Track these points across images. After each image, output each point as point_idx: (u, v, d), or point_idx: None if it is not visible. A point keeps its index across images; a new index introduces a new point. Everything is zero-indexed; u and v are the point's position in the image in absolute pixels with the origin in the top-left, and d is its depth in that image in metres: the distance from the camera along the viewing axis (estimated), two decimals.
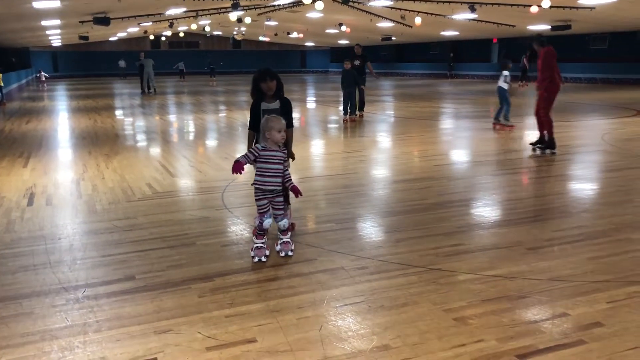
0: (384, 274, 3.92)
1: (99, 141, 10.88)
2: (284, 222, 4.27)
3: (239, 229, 5.07)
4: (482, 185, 6.82)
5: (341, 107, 14.11)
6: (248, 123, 4.75)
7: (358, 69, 13.46)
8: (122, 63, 43.60)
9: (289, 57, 53.95)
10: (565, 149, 9.19)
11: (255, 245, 4.25)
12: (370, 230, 5.04)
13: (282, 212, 4.27)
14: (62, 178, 7.42)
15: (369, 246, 4.52)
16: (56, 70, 46.13)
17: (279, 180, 4.14)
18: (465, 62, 39.09)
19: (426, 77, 40.36)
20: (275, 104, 4.64)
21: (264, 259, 4.18)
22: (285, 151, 4.22)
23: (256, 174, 4.18)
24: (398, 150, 9.66)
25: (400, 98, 21.69)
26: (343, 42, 44.85)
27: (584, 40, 30.94)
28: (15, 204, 6.07)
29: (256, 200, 4.21)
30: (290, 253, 4.28)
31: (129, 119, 15.54)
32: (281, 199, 4.25)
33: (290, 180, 4.22)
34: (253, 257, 4.21)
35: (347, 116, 13.26)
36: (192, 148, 10.43)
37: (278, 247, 4.32)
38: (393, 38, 37.18)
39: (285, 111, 4.59)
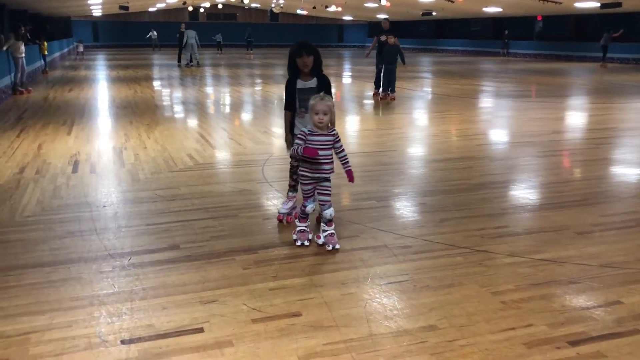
0: (428, 253, 3.86)
1: (139, 111, 10.99)
2: (330, 211, 3.94)
3: (281, 202, 5.06)
4: (525, 166, 6.66)
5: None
6: (284, 102, 4.44)
7: (384, 45, 12.65)
8: (153, 34, 40.37)
9: (326, 31, 53.43)
10: (611, 132, 8.90)
11: (298, 228, 4.04)
12: (412, 208, 4.97)
13: (328, 197, 3.95)
14: (104, 146, 7.52)
15: (411, 225, 4.46)
16: (96, 39, 46.70)
17: (329, 167, 3.88)
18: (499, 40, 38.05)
19: (466, 54, 39.51)
20: (312, 82, 4.29)
21: (307, 243, 3.99)
22: (335, 133, 3.88)
23: (303, 160, 3.91)
24: (437, 128, 9.50)
25: (440, 75, 21.29)
26: (382, 16, 44.14)
27: (634, 19, 29.74)
28: (60, 170, 6.19)
29: (301, 184, 3.97)
30: (337, 246, 3.91)
31: (168, 90, 15.66)
32: (329, 183, 3.95)
33: (347, 162, 3.92)
34: (295, 240, 4.02)
35: (382, 92, 12.99)
36: (230, 120, 10.46)
37: (321, 240, 3.98)
38: (434, 13, 36.40)
39: (323, 87, 4.23)
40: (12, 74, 13.94)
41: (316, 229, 4.22)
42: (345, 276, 3.48)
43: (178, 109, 11.90)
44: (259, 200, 5.22)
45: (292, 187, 4.60)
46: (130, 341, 2.76)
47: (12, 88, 13.75)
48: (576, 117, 10.99)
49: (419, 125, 10.06)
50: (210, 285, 3.37)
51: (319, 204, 3.99)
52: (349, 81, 19.33)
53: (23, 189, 5.42)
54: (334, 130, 3.88)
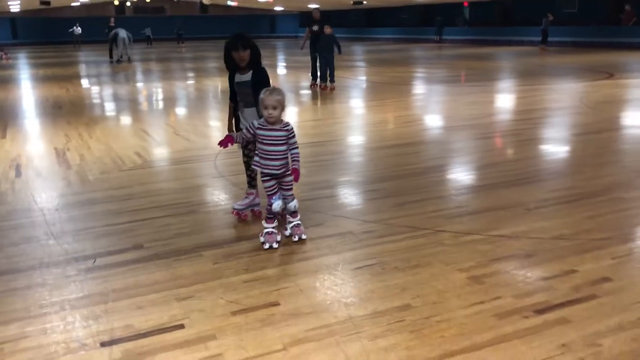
0: (391, 236, 3.99)
1: (75, 110, 10.63)
2: (294, 203, 3.90)
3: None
4: (468, 149, 6.92)
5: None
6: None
7: (318, 35, 12.67)
8: (77, 30, 37.68)
9: (258, 22, 53.05)
10: (546, 112, 9.36)
11: (266, 230, 3.82)
12: (369, 194, 5.09)
13: (291, 192, 3.89)
14: (46, 148, 7.26)
15: (371, 210, 4.58)
16: (15, 37, 44.52)
17: (283, 162, 3.72)
18: (432, 27, 39.04)
19: (398, 42, 40.21)
20: (247, 75, 4.11)
21: (275, 245, 3.79)
22: (289, 128, 3.69)
23: (256, 154, 3.79)
24: (379, 115, 9.69)
25: (374, 63, 21.63)
26: (313, 6, 44.22)
27: (554, 4, 31.17)
28: (2, 175, 5.93)
29: (262, 182, 3.82)
30: (303, 236, 3.89)
31: (102, 88, 15.18)
32: (290, 178, 3.79)
33: (297, 160, 3.73)
34: (263, 243, 3.80)
35: (319, 82, 12.99)
36: (172, 116, 10.28)
37: (288, 232, 3.95)
38: (364, 2, 36.85)
39: (257, 81, 4.03)
40: None
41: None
42: (316, 264, 3.55)
43: (115, 107, 11.58)
44: (217, 195, 5.20)
45: (250, 183, 4.49)
46: (111, 342, 2.73)
47: None
48: (509, 100, 11.48)
49: (360, 113, 10.23)
50: (183, 282, 3.36)
51: (283, 199, 3.87)
52: (284, 72, 19.34)
53: None
54: (288, 125, 3.71)
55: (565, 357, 2.53)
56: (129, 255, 3.77)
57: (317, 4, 41.52)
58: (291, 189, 3.88)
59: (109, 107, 11.55)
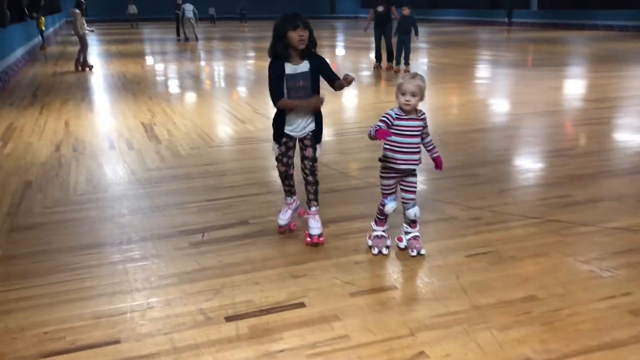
0: (500, 224, 3.86)
1: (154, 86, 10.86)
2: (415, 210, 3.35)
3: (332, 176, 5.02)
4: (558, 135, 6.65)
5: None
6: (271, 96, 3.42)
7: (383, 16, 12.28)
8: (132, 8, 36.06)
9: (317, 2, 52.79)
10: (636, 100, 8.89)
11: (375, 233, 3.43)
12: (467, 179, 4.93)
13: (414, 195, 3.35)
14: (133, 123, 7.42)
15: (473, 196, 4.44)
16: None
17: (417, 157, 3.25)
18: (502, 9, 37.84)
19: (463, 24, 39.18)
20: (304, 66, 3.38)
21: (385, 251, 3.38)
22: (424, 117, 3.25)
23: (386, 149, 3.25)
24: (462, 98, 9.44)
25: (448, 45, 21.13)
26: None
27: None
28: (97, 148, 6.10)
29: (381, 177, 3.34)
30: (422, 252, 3.38)
31: (176, 65, 15.43)
32: (414, 178, 3.33)
33: (435, 147, 3.35)
34: (371, 247, 3.43)
35: (389, 64, 12.78)
36: (250, 95, 10.34)
37: (403, 244, 3.45)
38: None
39: (320, 69, 3.42)
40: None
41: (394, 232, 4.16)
42: (428, 249, 3.46)
43: (193, 84, 11.74)
44: None
45: (288, 192, 3.79)
46: (236, 317, 2.75)
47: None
48: (594, 86, 10.98)
49: (442, 96, 10.00)
50: (293, 260, 3.35)
51: (402, 203, 3.37)
52: (343, 53, 19.13)
53: (67, 167, 5.35)
54: (424, 114, 3.26)
55: None
56: (236, 231, 3.80)
57: None
58: (414, 191, 3.35)
59: (186, 84, 11.73)
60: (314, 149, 3.55)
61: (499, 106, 8.85)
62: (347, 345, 2.52)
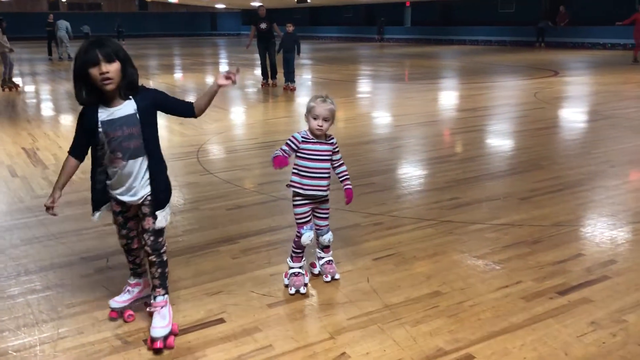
0: (400, 228, 4.10)
1: (32, 109, 10.22)
2: (329, 236, 3.22)
3: (235, 192, 5.05)
4: (442, 143, 7.14)
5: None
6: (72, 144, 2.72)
7: (266, 33, 12.57)
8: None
9: (198, 20, 52.36)
10: (506, 108, 9.74)
11: (292, 270, 3.18)
12: (365, 189, 5.15)
13: (327, 221, 3.22)
14: (13, 149, 6.96)
15: (372, 204, 4.66)
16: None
17: (326, 183, 3.10)
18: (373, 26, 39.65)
19: (341, 40, 40.56)
20: (128, 107, 2.56)
21: (302, 289, 3.12)
22: (334, 142, 3.11)
23: (294, 173, 3.10)
24: (351, 112, 9.80)
25: (327, 61, 21.78)
26: (255, 4, 43.95)
27: (493, 5, 32.31)
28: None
29: (294, 206, 3.13)
30: (337, 276, 3.27)
31: (50, 86, 14.61)
32: (327, 205, 3.20)
33: (347, 178, 3.17)
34: (287, 286, 3.16)
35: (271, 81, 13.00)
36: None
37: (317, 270, 3.33)
38: (308, 0, 36.96)
39: (156, 105, 2.66)
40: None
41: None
42: (336, 255, 3.59)
43: (75, 106, 11.17)
44: (212, 191, 5.15)
45: (135, 271, 2.98)
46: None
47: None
48: (471, 97, 11.86)
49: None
50: (208, 278, 3.35)
51: (316, 229, 3.21)
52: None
53: None
54: (333, 138, 3.13)
55: (598, 333, 2.71)
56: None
57: (260, 1, 41.41)
58: (327, 218, 3.23)
59: (67, 106, 11.15)
60: (155, 218, 2.68)
61: (385, 118, 9.33)
62: (272, 355, 2.57)
